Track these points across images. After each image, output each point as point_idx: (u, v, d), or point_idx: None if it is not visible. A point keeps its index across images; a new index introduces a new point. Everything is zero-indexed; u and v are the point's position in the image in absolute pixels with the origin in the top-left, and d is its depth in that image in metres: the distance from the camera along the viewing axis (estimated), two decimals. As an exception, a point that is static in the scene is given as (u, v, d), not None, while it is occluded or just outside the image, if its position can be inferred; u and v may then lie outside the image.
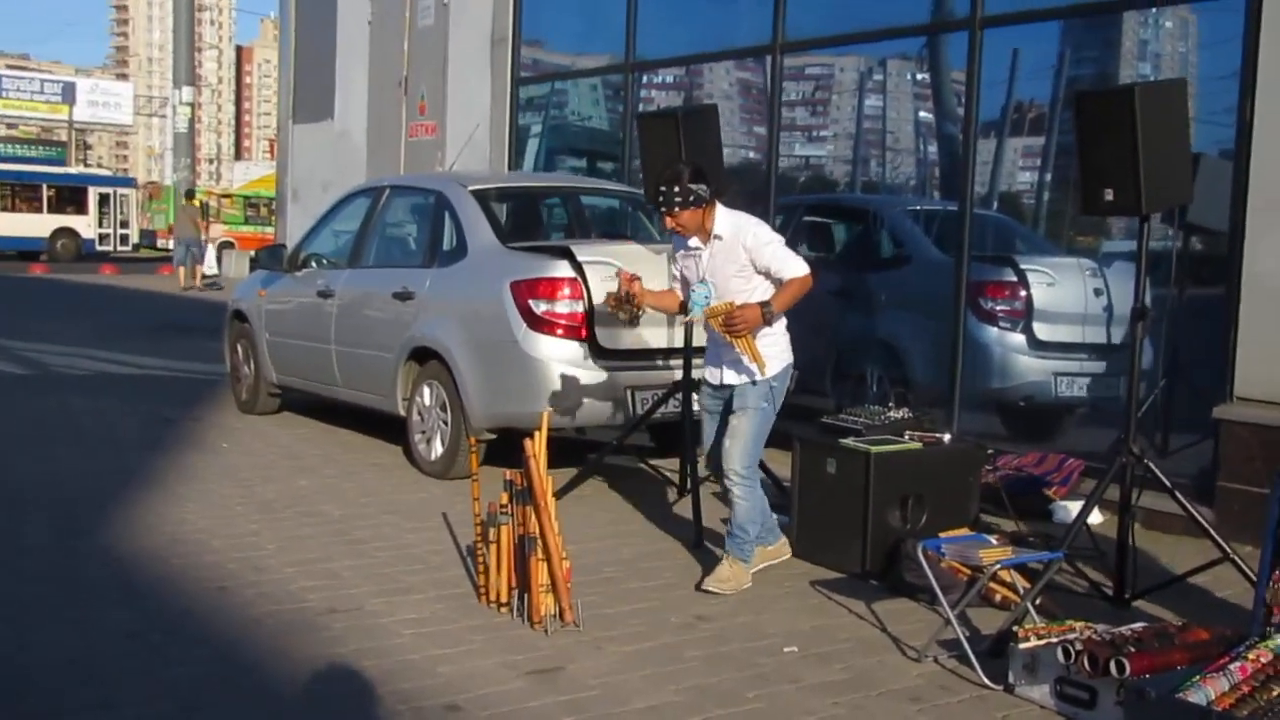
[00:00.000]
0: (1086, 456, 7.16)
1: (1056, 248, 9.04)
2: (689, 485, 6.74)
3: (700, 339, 5.97)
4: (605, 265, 7.10)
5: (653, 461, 7.75)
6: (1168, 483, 5.44)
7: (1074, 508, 6.28)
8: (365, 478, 7.65)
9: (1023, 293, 8.39)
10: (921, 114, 9.80)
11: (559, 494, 6.54)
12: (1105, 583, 5.51)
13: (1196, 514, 5.44)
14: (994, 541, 5.20)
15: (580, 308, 7.06)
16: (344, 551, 5.93)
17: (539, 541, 4.89)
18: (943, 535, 5.38)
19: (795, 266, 5.31)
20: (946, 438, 6.23)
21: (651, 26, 11.30)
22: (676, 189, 5.29)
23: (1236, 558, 5.26)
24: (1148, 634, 4.27)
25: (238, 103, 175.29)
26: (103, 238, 39.70)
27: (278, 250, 9.89)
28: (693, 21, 11.29)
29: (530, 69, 13.09)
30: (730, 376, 5.47)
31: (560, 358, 7.03)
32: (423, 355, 7.75)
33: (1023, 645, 4.33)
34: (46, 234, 37.67)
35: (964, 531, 5.61)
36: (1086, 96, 5.41)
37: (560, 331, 7.06)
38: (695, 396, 5.82)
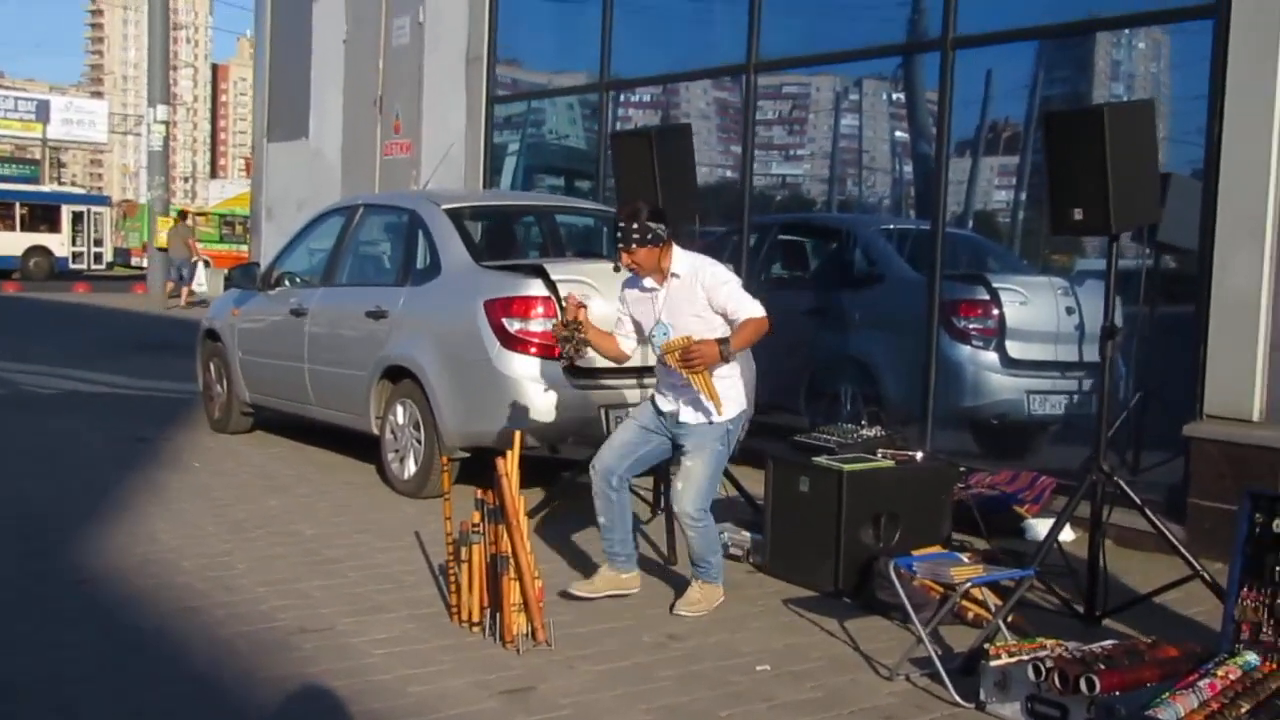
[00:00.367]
0: (1059, 474, 7.19)
1: (1029, 266, 9.10)
2: (662, 504, 6.73)
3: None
4: (579, 284, 7.10)
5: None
6: (1138, 500, 5.47)
7: (1046, 525, 6.31)
8: (338, 497, 7.62)
9: (995, 311, 8.44)
10: (896, 133, 9.86)
11: (532, 513, 6.56)
12: (1076, 600, 5.52)
13: (1166, 531, 5.47)
14: (966, 559, 5.22)
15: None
16: (316, 571, 5.90)
17: (511, 560, 4.87)
18: (915, 553, 5.39)
19: (752, 308, 5.25)
20: (919, 456, 6.25)
21: (627, 46, 11.34)
22: (635, 226, 5.24)
23: (1206, 575, 5.28)
24: (1118, 651, 4.29)
25: (213, 121, 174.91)
26: (76, 256, 39.52)
27: (251, 269, 9.86)
28: (668, 41, 11.34)
29: (508, 87, 13.11)
30: (687, 414, 5.36)
31: (534, 376, 7.02)
32: (396, 374, 7.73)
33: (994, 663, 4.34)
34: (19, 252, 37.44)
35: (936, 549, 5.62)
36: (1056, 117, 5.45)
37: (534, 350, 7.05)
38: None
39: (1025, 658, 4.27)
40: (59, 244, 38.83)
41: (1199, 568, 5.30)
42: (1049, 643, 4.48)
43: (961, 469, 6.96)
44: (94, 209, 41.51)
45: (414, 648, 4.85)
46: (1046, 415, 8.34)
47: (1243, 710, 3.82)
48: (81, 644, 4.77)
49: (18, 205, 38.43)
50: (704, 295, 5.26)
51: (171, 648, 4.77)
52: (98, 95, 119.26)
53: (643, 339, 5.57)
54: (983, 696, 4.36)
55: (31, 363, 14.14)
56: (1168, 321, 7.56)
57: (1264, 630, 4.18)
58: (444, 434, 7.30)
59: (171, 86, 30.91)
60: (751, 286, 5.43)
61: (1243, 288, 6.49)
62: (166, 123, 27.34)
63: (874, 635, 5.19)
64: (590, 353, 6.93)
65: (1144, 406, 7.48)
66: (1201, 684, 3.94)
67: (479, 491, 5.09)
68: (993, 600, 5.25)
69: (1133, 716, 3.77)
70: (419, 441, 7.54)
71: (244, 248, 34.98)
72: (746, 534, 6.36)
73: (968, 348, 8.39)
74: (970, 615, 5.28)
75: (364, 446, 8.41)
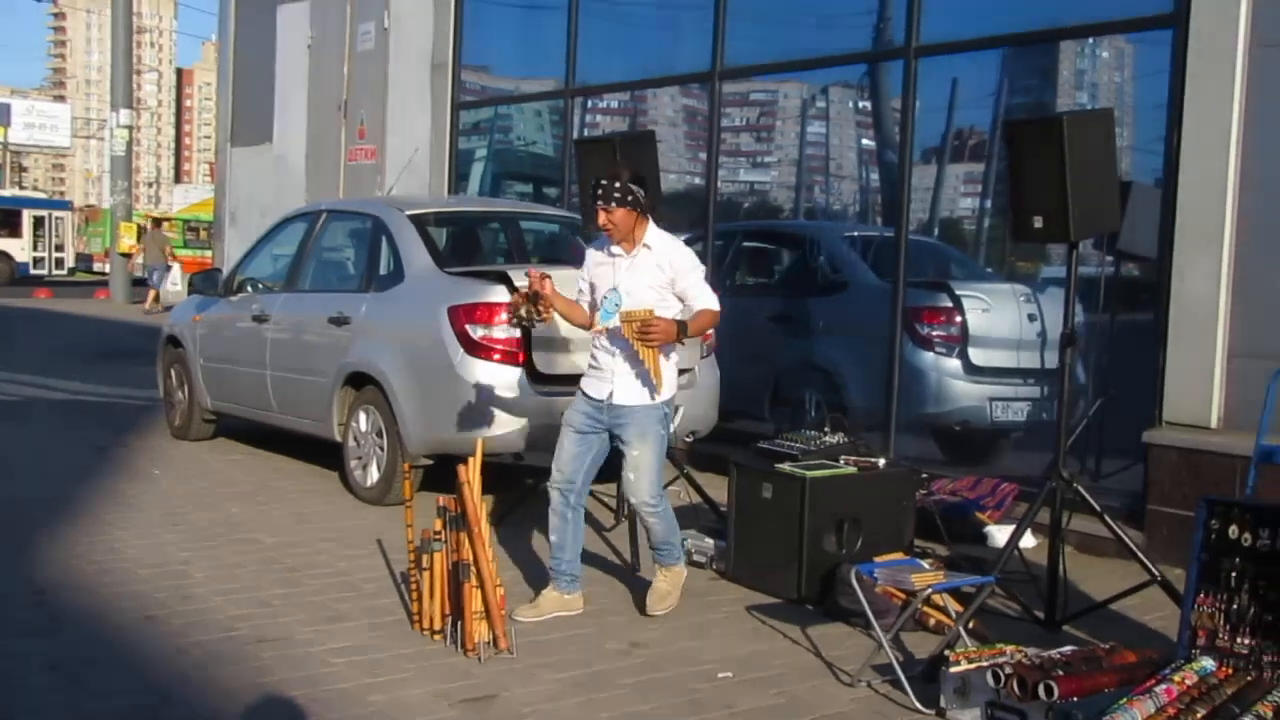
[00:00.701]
0: (1021, 481, 7.23)
1: (993, 274, 9.15)
2: (625, 511, 6.72)
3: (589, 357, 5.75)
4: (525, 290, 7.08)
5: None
6: (1097, 506, 5.50)
7: (1007, 532, 6.34)
8: (299, 504, 7.56)
9: (958, 318, 8.47)
10: (862, 141, 9.89)
11: (495, 520, 6.53)
12: (1037, 606, 5.55)
13: (1125, 537, 5.51)
14: (927, 566, 5.24)
15: (517, 333, 7.03)
16: (276, 579, 5.85)
17: (473, 568, 4.85)
18: (877, 560, 5.42)
19: (711, 299, 5.31)
20: (881, 462, 6.26)
21: (593, 52, 11.34)
22: (617, 184, 5.25)
23: (1164, 581, 5.32)
24: (1076, 657, 4.30)
25: (178, 125, 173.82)
26: (37, 261, 39.16)
27: (213, 274, 9.80)
28: (634, 48, 11.35)
29: (476, 93, 13.09)
30: (624, 396, 5.30)
31: (497, 383, 6.99)
32: (359, 380, 7.69)
33: (954, 669, 4.35)
34: (-20, 257, 37.12)
35: (898, 556, 5.64)
36: (1016, 126, 5.49)
37: (497, 357, 7.03)
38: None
39: (985, 664, 4.28)
40: (20, 249, 38.48)
41: (1157, 573, 5.33)
42: (1009, 649, 4.49)
43: (924, 475, 6.98)
44: (56, 214, 41.15)
45: (374, 656, 4.82)
46: (1009, 422, 8.38)
47: (1199, 715, 3.84)
48: (36, 655, 4.71)
49: (-22, 210, 38.08)
50: (670, 274, 5.27)
51: (128, 658, 4.72)
52: (60, 99, 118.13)
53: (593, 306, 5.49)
54: (943, 703, 4.37)
55: (-9, 369, 14.00)
56: (1128, 329, 7.62)
57: (1220, 636, 4.21)
58: (407, 441, 7.27)
59: (135, 91, 30.73)
60: (717, 293, 5.44)
61: (1201, 296, 6.55)
62: (130, 127, 27.13)
63: (836, 642, 5.19)
64: (554, 357, 6.97)
65: (1104, 413, 7.53)
66: (1158, 689, 3.96)
67: (440, 498, 5.07)
68: (954, 607, 5.27)
69: (1091, 722, 3.79)
70: (382, 448, 7.50)
71: (208, 253, 34.77)
72: (710, 541, 6.36)
73: (931, 354, 8.42)
74: (932, 621, 5.29)
75: (326, 453, 8.36)
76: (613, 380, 5.34)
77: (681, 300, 5.29)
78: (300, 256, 8.74)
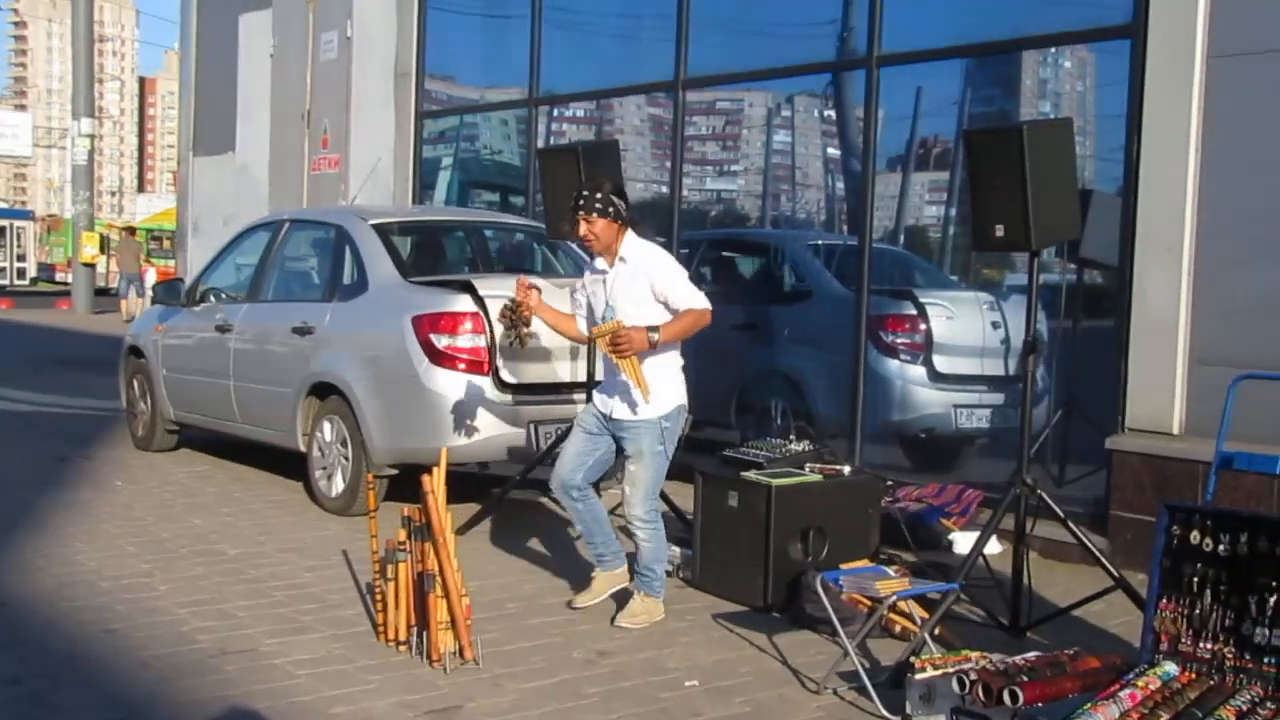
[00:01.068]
0: (985, 487, 7.26)
1: (956, 281, 9.20)
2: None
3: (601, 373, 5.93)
4: (508, 299, 7.08)
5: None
6: (1060, 512, 5.53)
7: (972, 538, 6.36)
8: (264, 515, 7.52)
9: (922, 326, 8.51)
10: (825, 150, 9.93)
11: (461, 530, 6.53)
12: (1001, 612, 5.57)
13: (1089, 543, 5.54)
14: (892, 573, 5.25)
15: (483, 342, 7.03)
16: (239, 591, 5.81)
17: (438, 578, 4.83)
18: (843, 567, 5.43)
19: (692, 299, 5.32)
20: (847, 470, 6.29)
21: (557, 61, 11.34)
22: (598, 195, 5.32)
23: (1127, 586, 5.35)
24: (1041, 663, 4.32)
25: (141, 134, 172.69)
26: (-1, 271, 38.85)
27: (175, 284, 9.74)
28: (597, 57, 11.36)
29: (441, 102, 13.06)
30: (620, 410, 5.40)
31: (462, 393, 6.98)
32: (323, 390, 7.65)
33: (919, 676, 4.36)
34: (-61, 268, 36.79)
35: (864, 563, 5.66)
36: (976, 135, 5.53)
37: (462, 366, 7.01)
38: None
39: (950, 670, 4.29)
40: (-19, 259, 38.17)
41: (1120, 578, 5.37)
42: (974, 655, 4.50)
43: (889, 483, 7.01)
44: (17, 223, 40.87)
45: (339, 668, 4.79)
46: (973, 428, 8.42)
47: (1162, 719, 3.87)
48: (-5, 669, 4.66)
49: (-63, 220, 37.74)
50: (647, 281, 5.29)
51: (89, 672, 4.67)
52: (21, 108, 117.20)
53: (594, 323, 5.59)
54: (909, 709, 4.38)
55: (-51, 380, 13.84)
56: (1090, 336, 7.68)
57: (1183, 641, 4.23)
58: (372, 451, 7.24)
59: (98, 100, 30.43)
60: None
61: (1161, 303, 6.61)
62: (92, 136, 26.96)
63: (803, 649, 5.20)
64: (520, 366, 6.96)
65: (1067, 420, 7.59)
66: (1122, 694, 3.98)
67: (405, 509, 5.04)
68: (919, 613, 5.28)
69: (1055, 727, 3.80)
70: (346, 459, 7.46)
71: (171, 263, 34.57)
72: (676, 549, 6.35)
73: (895, 362, 8.46)
74: (898, 628, 5.31)
75: (291, 464, 8.31)
76: (612, 395, 5.44)
77: (665, 306, 5.31)
78: (263, 266, 8.69)
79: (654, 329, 5.21)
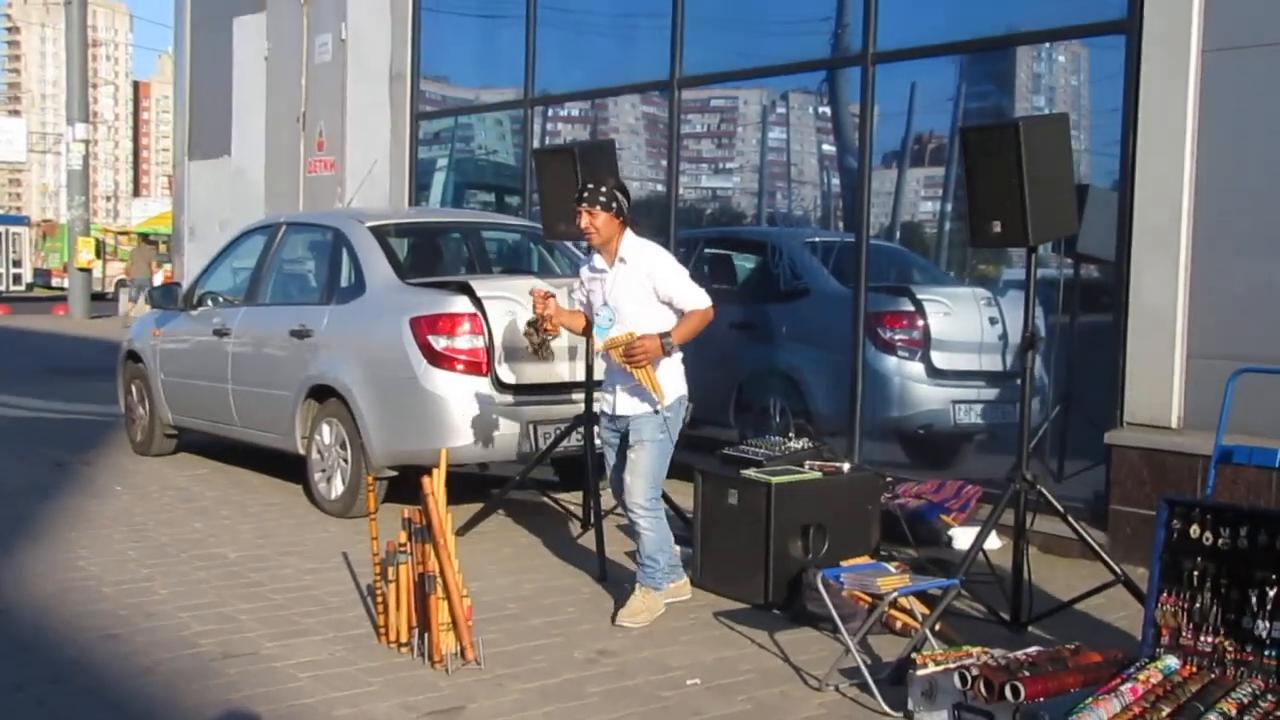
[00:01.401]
0: (984, 483, 7.27)
1: (953, 277, 9.20)
2: (592, 519, 6.72)
3: (600, 371, 5.96)
4: (505, 300, 7.10)
5: (556, 496, 7.72)
6: (1060, 508, 5.54)
7: (972, 534, 6.36)
8: (263, 518, 7.52)
9: (920, 322, 8.52)
10: (822, 147, 9.93)
11: (461, 531, 6.53)
12: (1002, 608, 5.58)
13: (1088, 537, 5.55)
14: (893, 569, 5.26)
15: (481, 343, 7.03)
16: (240, 595, 5.81)
17: (439, 580, 4.83)
18: (843, 564, 5.44)
19: (697, 298, 5.35)
20: (846, 467, 6.29)
21: (552, 61, 11.34)
22: (602, 188, 5.35)
23: (1128, 580, 5.36)
24: (1042, 658, 4.33)
25: (135, 139, 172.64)
26: (-6, 277, 38.82)
27: (172, 289, 9.73)
28: (592, 56, 11.36)
29: (436, 103, 13.05)
30: (625, 406, 5.46)
31: (461, 394, 6.98)
32: (322, 393, 7.65)
33: (921, 672, 4.37)
34: (-65, 274, 36.75)
35: (864, 560, 5.67)
36: (972, 131, 5.52)
37: (461, 367, 7.01)
38: (596, 430, 5.82)
39: (952, 666, 4.30)
40: (-23, 265, 38.13)
41: (1121, 572, 5.38)
42: (975, 650, 4.51)
43: (889, 479, 7.01)
44: (12, 229, 40.83)
45: (341, 670, 4.79)
46: (971, 424, 8.43)
47: (1164, 714, 3.88)
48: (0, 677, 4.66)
49: (-67, 226, 37.70)
50: (650, 283, 5.32)
51: (91, 678, 4.68)
52: (15, 114, 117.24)
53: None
54: (910, 706, 4.38)
55: (-53, 387, 13.83)
56: (1088, 331, 7.68)
57: (1183, 634, 4.24)
58: (371, 453, 7.24)
59: (92, 104, 30.36)
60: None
61: (1159, 298, 6.62)
62: (87, 141, 26.95)
63: (804, 647, 5.21)
64: (518, 367, 6.97)
65: (1066, 415, 7.59)
66: (1124, 689, 3.99)
67: (405, 510, 5.05)
68: (920, 609, 5.29)
69: (1057, 722, 3.81)
70: (346, 461, 7.46)
71: (168, 266, 34.55)
72: (676, 547, 6.35)
73: (893, 359, 8.46)
74: (898, 624, 5.31)
75: (290, 467, 8.31)
76: (614, 394, 5.48)
77: (669, 305, 5.33)
78: (260, 270, 8.69)
79: (666, 335, 5.26)
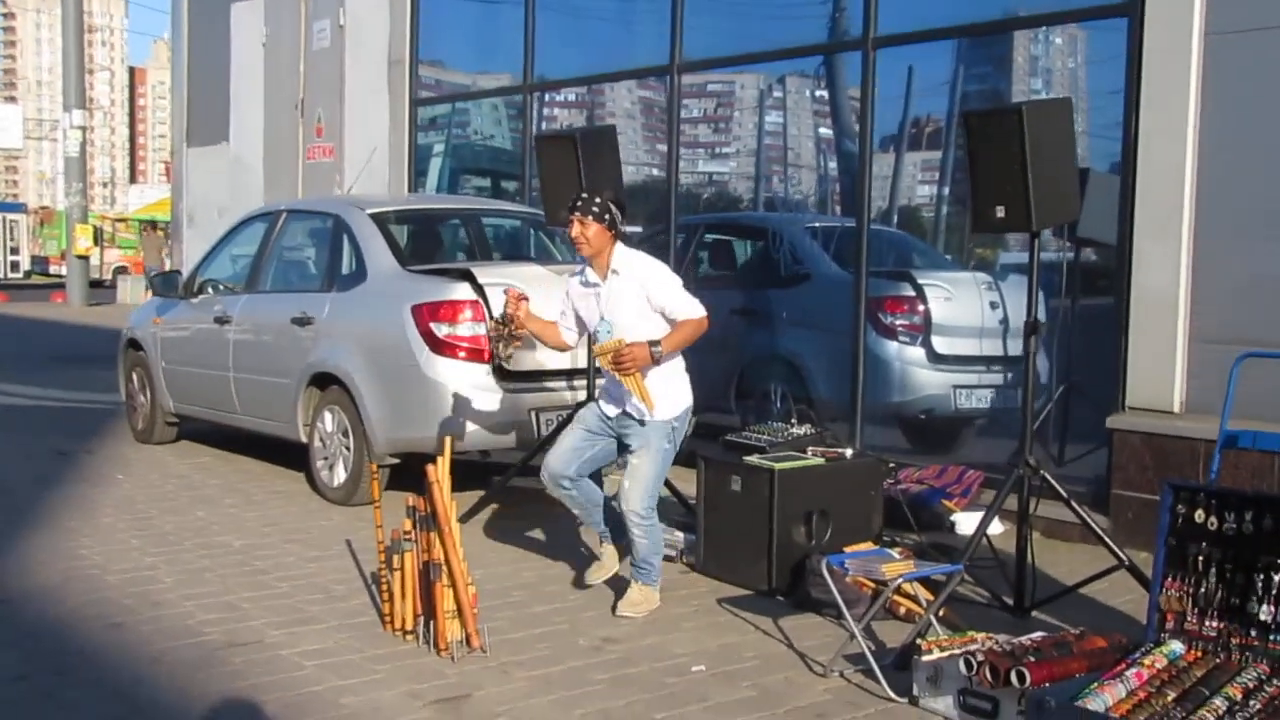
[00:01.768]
0: (986, 468, 7.27)
1: (952, 262, 9.20)
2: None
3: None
4: (507, 287, 7.08)
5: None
6: (1064, 493, 5.54)
7: (974, 519, 6.37)
8: (266, 506, 7.52)
9: (921, 307, 8.52)
10: (821, 131, 9.92)
11: (463, 518, 6.52)
12: (1005, 593, 5.59)
13: (1092, 523, 5.55)
14: (897, 555, 5.26)
15: (482, 330, 7.02)
16: (244, 583, 5.82)
17: (444, 567, 4.84)
18: (847, 550, 5.44)
19: (691, 309, 5.29)
20: (849, 453, 6.29)
21: (550, 46, 11.31)
22: (596, 199, 5.30)
23: (1131, 565, 5.37)
24: (1047, 643, 4.34)
25: (131, 125, 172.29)
26: (-8, 264, 38.77)
27: (173, 276, 9.71)
28: (591, 42, 11.33)
29: (432, 89, 13.02)
30: (632, 409, 5.38)
31: (463, 381, 6.98)
32: (323, 381, 7.65)
33: (926, 658, 4.38)
34: (-68, 262, 36.71)
35: (868, 546, 5.67)
36: (974, 116, 5.50)
37: (462, 354, 7.01)
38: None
39: (956, 652, 4.31)
40: (-26, 253, 38.09)
41: (1125, 559, 5.38)
42: (979, 636, 4.52)
43: (891, 465, 7.02)
44: (9, 216, 40.76)
45: (346, 658, 4.80)
46: (972, 409, 8.43)
47: (1169, 699, 3.89)
48: (4, 667, 4.65)
49: (-70, 214, 37.65)
50: (644, 293, 5.28)
51: (97, 667, 4.68)
52: (11, 100, 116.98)
53: (584, 334, 5.60)
54: (915, 691, 4.39)
55: (-53, 375, 13.82)
56: (1090, 315, 7.68)
57: (1188, 619, 4.25)
58: (373, 441, 7.24)
59: (88, 90, 30.37)
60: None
61: (1161, 282, 6.61)
62: (84, 128, 26.87)
63: (808, 633, 5.22)
64: (519, 353, 6.94)
65: (1067, 399, 7.59)
66: (1129, 674, 4.00)
67: (410, 498, 5.05)
68: (924, 595, 5.30)
69: (1062, 708, 3.82)
70: (348, 449, 7.47)
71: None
72: (679, 534, 6.37)
73: (894, 344, 8.46)
74: (902, 610, 5.32)
75: (292, 454, 8.31)
76: (619, 396, 5.41)
77: (663, 315, 5.29)
78: (261, 257, 8.68)
79: (655, 344, 5.20)
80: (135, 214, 49.25)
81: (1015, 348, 7.97)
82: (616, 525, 5.59)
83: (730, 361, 9.26)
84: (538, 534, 6.94)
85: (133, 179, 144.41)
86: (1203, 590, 4.24)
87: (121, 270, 36.15)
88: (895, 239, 9.17)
